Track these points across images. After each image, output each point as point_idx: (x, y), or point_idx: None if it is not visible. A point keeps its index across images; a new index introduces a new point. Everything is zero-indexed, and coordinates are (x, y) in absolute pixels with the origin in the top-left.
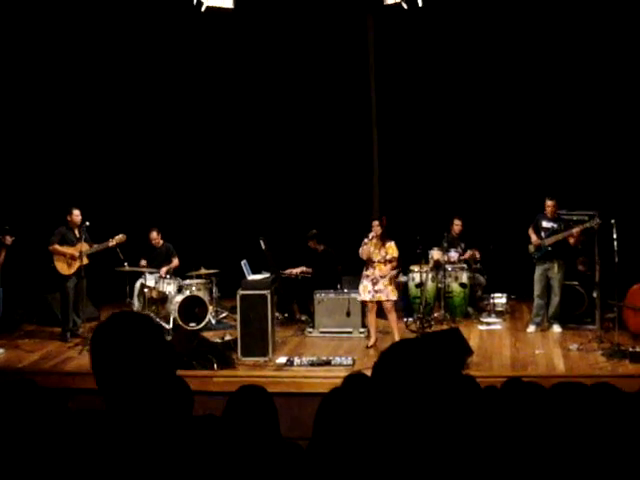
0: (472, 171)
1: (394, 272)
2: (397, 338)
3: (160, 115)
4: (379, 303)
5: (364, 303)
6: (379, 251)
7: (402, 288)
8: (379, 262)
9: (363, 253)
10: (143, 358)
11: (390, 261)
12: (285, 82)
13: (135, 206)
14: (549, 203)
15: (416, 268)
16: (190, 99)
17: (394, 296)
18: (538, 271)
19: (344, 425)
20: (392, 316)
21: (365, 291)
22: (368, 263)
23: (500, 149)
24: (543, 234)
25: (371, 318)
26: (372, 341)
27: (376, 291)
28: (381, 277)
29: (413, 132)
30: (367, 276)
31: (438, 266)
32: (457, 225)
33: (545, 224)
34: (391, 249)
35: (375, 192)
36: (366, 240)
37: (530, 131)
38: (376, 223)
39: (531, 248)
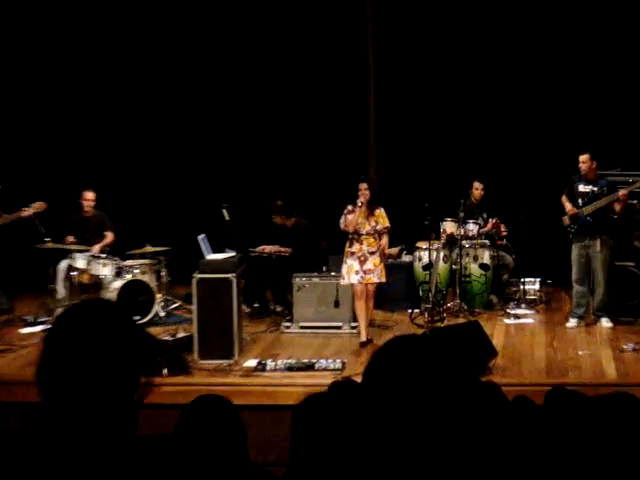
0: (496, 120)
1: (388, 248)
2: (364, 335)
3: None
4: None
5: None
6: (367, 221)
7: (404, 270)
8: (368, 235)
9: (349, 224)
10: (110, 361)
11: (381, 232)
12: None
13: (60, 166)
14: (583, 159)
15: (424, 245)
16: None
17: (384, 278)
18: (575, 249)
19: (327, 447)
20: (371, 304)
21: (351, 272)
22: (353, 237)
23: (532, 92)
24: (580, 201)
25: (361, 307)
26: (364, 337)
27: (365, 271)
28: (371, 254)
29: (419, 69)
30: (352, 253)
31: (452, 242)
32: (477, 189)
33: (582, 188)
34: (382, 217)
35: (371, 146)
36: (349, 207)
37: (568, 67)
38: (365, 186)
39: (565, 219)
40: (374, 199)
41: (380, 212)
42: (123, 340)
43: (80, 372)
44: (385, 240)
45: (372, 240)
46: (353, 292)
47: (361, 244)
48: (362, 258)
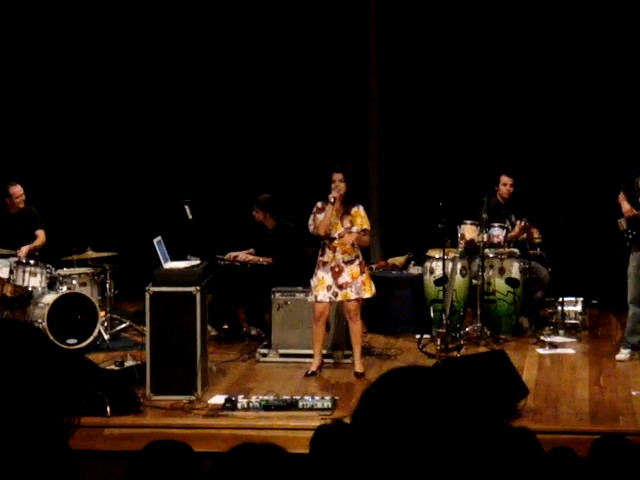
0: (528, 100)
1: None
2: (359, 367)
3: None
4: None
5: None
6: (341, 221)
7: (411, 285)
8: (342, 237)
9: (319, 226)
10: (16, 401)
11: (359, 234)
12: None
13: None
14: None
15: (436, 254)
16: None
17: (368, 292)
18: (634, 261)
19: None
20: (357, 327)
21: (322, 287)
22: (324, 243)
23: (571, 65)
24: None
25: (319, 329)
26: (315, 365)
27: (340, 286)
28: (347, 263)
29: (431, 49)
30: (324, 264)
31: (472, 250)
32: (505, 186)
33: None
34: (360, 216)
35: (373, 134)
36: (319, 204)
37: (620, 42)
38: (339, 177)
39: (622, 223)
40: (351, 194)
41: (357, 211)
42: (36, 373)
43: None
44: (355, 235)
45: (348, 246)
46: (313, 310)
47: (334, 252)
48: (336, 269)
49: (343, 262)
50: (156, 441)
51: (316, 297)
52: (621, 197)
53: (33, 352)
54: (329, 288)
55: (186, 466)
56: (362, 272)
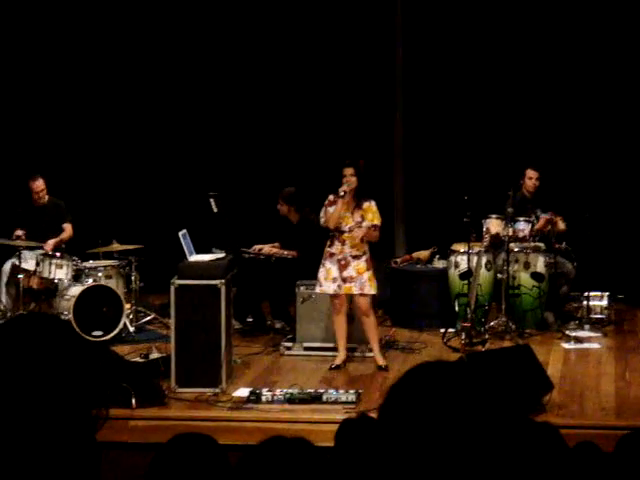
0: (553, 93)
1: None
2: (381, 362)
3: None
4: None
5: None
6: (352, 215)
7: (436, 279)
8: (352, 231)
9: (329, 219)
10: (46, 393)
11: (369, 229)
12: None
13: (4, 147)
14: None
15: (461, 248)
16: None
17: (374, 289)
18: None
19: None
20: (370, 321)
21: (328, 278)
22: (334, 235)
23: (596, 57)
24: None
25: (340, 322)
26: (340, 358)
27: (344, 279)
28: (354, 257)
29: (457, 40)
30: (332, 255)
31: (498, 244)
32: (531, 179)
33: None
34: (371, 212)
35: (398, 126)
36: (331, 197)
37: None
38: (350, 171)
39: None
40: (363, 189)
41: (369, 206)
42: (63, 366)
43: (8, 408)
44: (365, 230)
45: (357, 241)
46: (331, 304)
47: (342, 244)
48: (343, 262)
49: (351, 256)
50: (181, 434)
51: (324, 289)
52: None
53: (60, 345)
54: (335, 280)
55: (211, 459)
56: (368, 269)
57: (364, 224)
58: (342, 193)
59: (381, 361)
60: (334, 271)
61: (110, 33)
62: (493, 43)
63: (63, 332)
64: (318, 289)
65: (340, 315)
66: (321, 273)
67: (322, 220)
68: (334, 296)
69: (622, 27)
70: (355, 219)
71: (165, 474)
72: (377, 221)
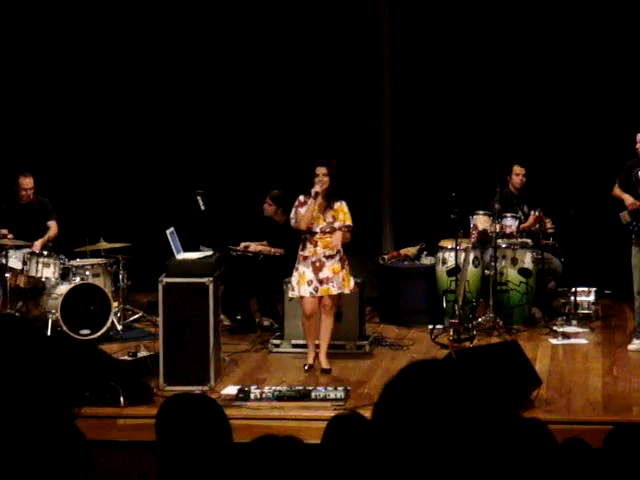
0: (539, 91)
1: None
2: (325, 363)
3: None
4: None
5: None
6: (323, 215)
7: (424, 276)
8: (323, 233)
9: (301, 219)
10: (19, 388)
11: (341, 230)
12: None
13: None
14: None
15: (449, 244)
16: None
17: (348, 288)
18: (638, 253)
19: None
20: (329, 322)
21: (302, 282)
22: (306, 237)
23: (579, 57)
24: None
25: (309, 326)
26: (310, 359)
27: (321, 281)
28: (328, 258)
29: (443, 37)
30: (305, 258)
31: (485, 241)
32: (518, 176)
33: None
34: (343, 212)
35: (385, 124)
36: (302, 198)
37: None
38: (323, 170)
39: (625, 216)
40: (334, 189)
41: (341, 206)
42: (30, 365)
43: None
44: (341, 235)
45: (329, 240)
46: (301, 306)
47: (315, 246)
48: (317, 264)
49: (324, 257)
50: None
51: (299, 293)
52: (618, 190)
53: (27, 346)
54: (310, 283)
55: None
56: (343, 267)
57: (335, 224)
58: (314, 193)
59: (326, 364)
60: (308, 274)
61: (97, 31)
62: (479, 40)
63: (30, 332)
64: (291, 294)
65: (311, 318)
66: (294, 277)
67: (292, 222)
68: (305, 299)
69: (606, 24)
70: (327, 219)
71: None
72: (349, 221)
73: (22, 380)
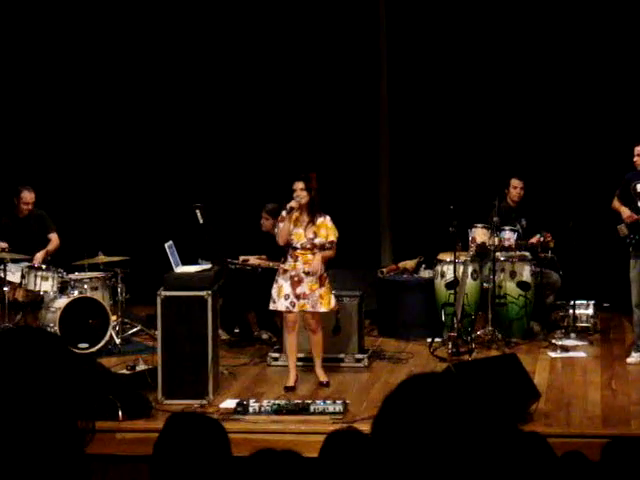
0: (536, 104)
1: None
2: (322, 376)
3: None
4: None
5: (278, 316)
6: (304, 231)
7: (422, 289)
8: (304, 249)
9: (279, 236)
10: (37, 399)
11: (324, 247)
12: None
13: None
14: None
15: (447, 257)
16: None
17: (325, 306)
18: (636, 266)
19: None
20: (317, 338)
21: (280, 295)
22: (287, 251)
23: (578, 71)
24: None
25: (291, 342)
26: (292, 379)
27: (298, 296)
28: (307, 274)
29: (440, 50)
30: (285, 271)
31: (483, 254)
32: (515, 189)
33: None
34: (326, 227)
35: (383, 137)
36: (284, 214)
37: (624, 45)
38: (300, 185)
39: (622, 229)
40: (315, 203)
41: (324, 221)
42: (49, 379)
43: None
44: (319, 256)
45: (310, 257)
46: (282, 322)
47: (295, 260)
48: (295, 279)
49: (303, 272)
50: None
51: (277, 306)
52: (617, 203)
53: (46, 357)
54: (287, 297)
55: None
56: (322, 285)
57: (316, 240)
58: (289, 208)
59: (323, 377)
60: (286, 288)
61: (98, 46)
62: (477, 52)
63: (50, 344)
64: (272, 306)
65: (292, 334)
66: (274, 290)
67: (277, 234)
68: (287, 313)
69: (605, 35)
70: (308, 235)
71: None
72: (332, 237)
73: (38, 392)
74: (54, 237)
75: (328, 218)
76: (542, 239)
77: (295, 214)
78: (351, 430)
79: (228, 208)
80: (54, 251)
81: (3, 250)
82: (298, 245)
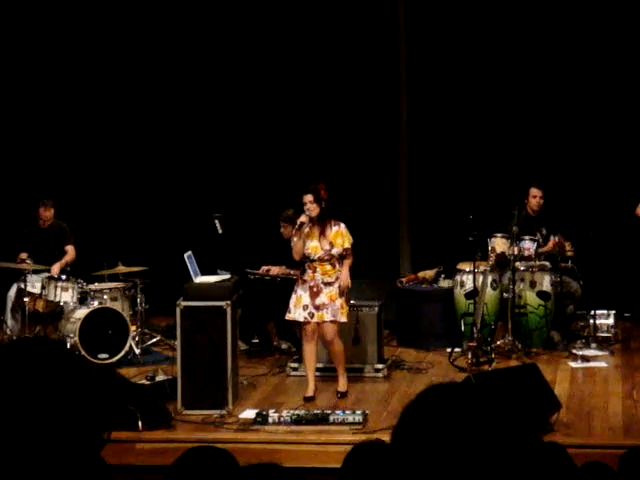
0: (558, 113)
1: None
2: (342, 386)
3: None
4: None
5: (297, 326)
6: (319, 243)
7: (442, 299)
8: (321, 260)
9: (295, 252)
10: (53, 414)
11: (342, 256)
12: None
13: (10, 168)
14: None
15: (467, 267)
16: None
17: (344, 316)
18: None
19: None
20: (335, 349)
21: (299, 305)
22: (305, 262)
23: (600, 78)
24: None
25: (309, 351)
26: (311, 389)
27: (317, 306)
28: (326, 284)
29: (460, 56)
30: (304, 282)
31: (503, 263)
32: (535, 198)
33: None
34: (341, 235)
35: (402, 147)
36: (296, 229)
37: None
38: (309, 198)
39: None
40: (325, 214)
41: (339, 230)
42: (62, 390)
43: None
44: (345, 269)
45: (329, 267)
46: (301, 332)
47: (314, 271)
48: (315, 289)
49: (322, 283)
50: (194, 448)
51: (294, 316)
52: None
53: (64, 369)
54: (305, 307)
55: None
56: (341, 295)
57: (333, 251)
58: (299, 223)
59: (342, 387)
60: (305, 298)
61: (108, 56)
62: (497, 62)
63: (67, 356)
64: (288, 316)
65: (311, 344)
66: (292, 300)
67: (293, 249)
68: (305, 324)
69: (626, 47)
70: (324, 247)
71: None
72: (347, 244)
73: (58, 402)
74: (70, 249)
75: (342, 225)
76: (557, 240)
77: (307, 228)
78: (377, 442)
79: (249, 218)
80: (71, 263)
81: (23, 260)
82: (316, 257)
